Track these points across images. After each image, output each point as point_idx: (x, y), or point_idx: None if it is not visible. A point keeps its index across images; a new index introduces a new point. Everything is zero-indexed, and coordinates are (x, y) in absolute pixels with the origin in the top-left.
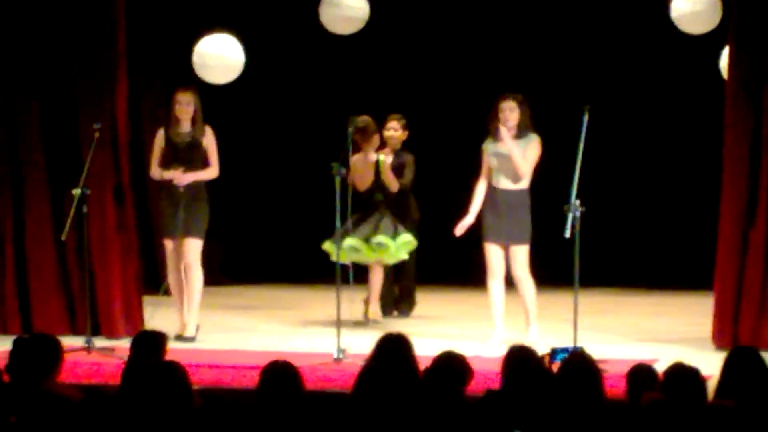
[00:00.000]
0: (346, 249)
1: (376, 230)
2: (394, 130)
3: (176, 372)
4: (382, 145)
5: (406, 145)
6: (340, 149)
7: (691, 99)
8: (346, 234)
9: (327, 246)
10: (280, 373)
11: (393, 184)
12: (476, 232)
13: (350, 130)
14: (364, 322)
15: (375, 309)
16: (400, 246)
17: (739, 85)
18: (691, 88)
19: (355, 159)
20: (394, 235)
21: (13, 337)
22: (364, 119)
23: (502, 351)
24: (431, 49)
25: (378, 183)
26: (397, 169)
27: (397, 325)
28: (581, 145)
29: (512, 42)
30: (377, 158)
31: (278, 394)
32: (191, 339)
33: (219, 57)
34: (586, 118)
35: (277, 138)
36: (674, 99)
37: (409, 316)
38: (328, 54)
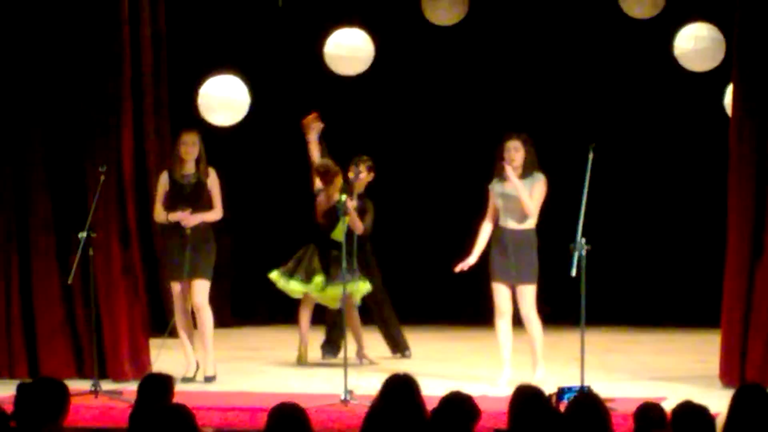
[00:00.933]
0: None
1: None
2: (361, 173)
3: (183, 415)
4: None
5: (369, 189)
6: (346, 188)
7: (696, 136)
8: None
9: (274, 276)
10: (288, 416)
11: (357, 226)
12: (474, 272)
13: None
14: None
15: (365, 351)
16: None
17: (743, 123)
18: (696, 126)
19: (320, 199)
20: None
21: (19, 382)
22: (324, 164)
23: (509, 391)
24: (434, 89)
25: (334, 224)
26: (360, 213)
27: (401, 365)
28: (587, 184)
29: (517, 82)
30: (339, 199)
31: None
32: (212, 378)
33: (225, 99)
34: (591, 156)
35: (283, 178)
36: (679, 137)
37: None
38: (333, 95)
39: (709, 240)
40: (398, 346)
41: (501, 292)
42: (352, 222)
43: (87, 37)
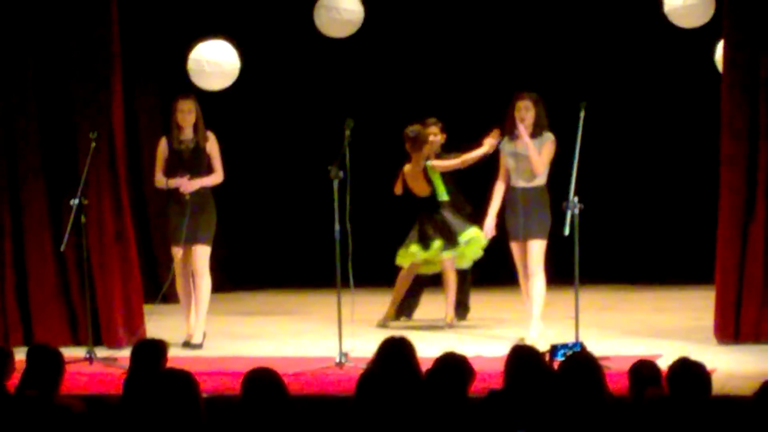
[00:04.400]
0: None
1: (449, 234)
2: (434, 135)
3: (187, 383)
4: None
5: (444, 149)
6: (337, 152)
7: (687, 93)
8: (415, 243)
9: (401, 258)
10: (262, 381)
11: (453, 164)
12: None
13: (347, 132)
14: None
15: (450, 313)
16: (472, 243)
17: (734, 78)
18: (687, 82)
19: (407, 169)
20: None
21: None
22: (414, 128)
23: (506, 350)
24: (424, 50)
25: (434, 188)
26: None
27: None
28: (578, 142)
29: (506, 41)
30: (424, 165)
31: (262, 402)
32: (198, 346)
33: (215, 63)
34: (582, 115)
35: (275, 143)
36: (670, 93)
37: (466, 319)
38: (323, 57)
39: (702, 197)
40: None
41: (517, 252)
42: (449, 167)
43: (77, 2)
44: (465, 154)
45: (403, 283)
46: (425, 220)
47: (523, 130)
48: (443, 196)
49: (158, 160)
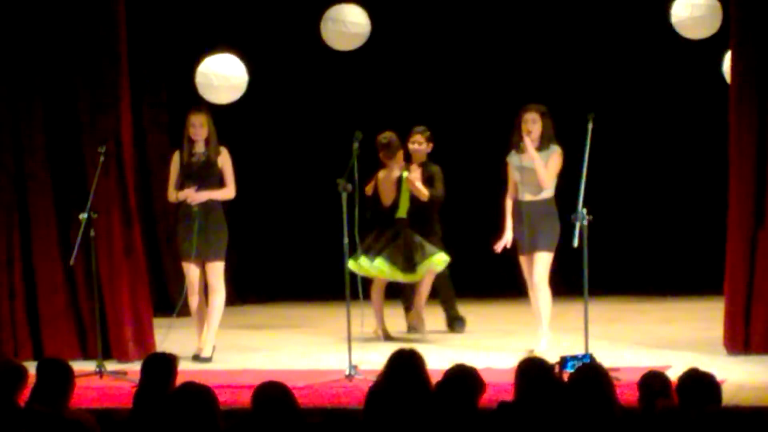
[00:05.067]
0: (368, 267)
1: (404, 256)
2: (419, 144)
3: (206, 397)
4: (408, 159)
5: (431, 158)
6: (346, 165)
7: (695, 104)
8: (367, 253)
9: (352, 265)
10: (272, 395)
11: (422, 193)
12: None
13: (355, 145)
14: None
15: (417, 316)
16: (435, 263)
17: (742, 89)
18: (695, 93)
19: (381, 175)
20: (423, 258)
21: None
22: (387, 135)
23: (515, 362)
24: (431, 63)
25: (397, 201)
26: (426, 182)
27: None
28: (587, 154)
29: (513, 52)
30: (400, 175)
31: (272, 416)
32: (208, 360)
33: (223, 77)
34: (590, 126)
35: (283, 156)
36: (678, 104)
37: (464, 331)
38: (330, 70)
39: (711, 207)
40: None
41: (526, 265)
42: (416, 191)
43: (84, 15)
44: (436, 191)
45: (375, 298)
46: (390, 235)
47: (529, 143)
48: (402, 212)
49: (171, 174)
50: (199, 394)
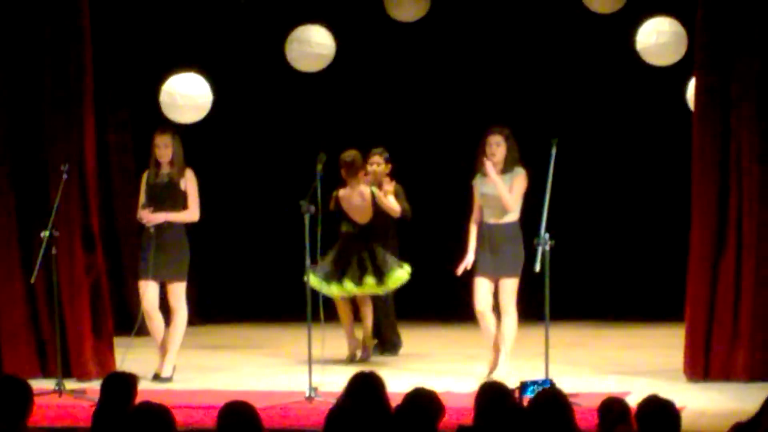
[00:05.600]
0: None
1: (366, 270)
2: (377, 165)
3: (163, 417)
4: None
5: (392, 178)
6: (309, 186)
7: (659, 130)
8: (333, 273)
9: (313, 281)
10: (238, 414)
11: (393, 210)
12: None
13: (318, 167)
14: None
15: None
16: (395, 280)
17: (705, 115)
18: (659, 119)
19: (341, 193)
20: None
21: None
22: (351, 154)
23: (474, 386)
24: (396, 85)
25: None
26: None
27: (379, 362)
28: (550, 179)
29: (478, 76)
30: (371, 191)
31: None
32: (168, 379)
33: (187, 96)
34: (554, 151)
35: (246, 176)
36: (642, 130)
37: (397, 354)
38: (295, 91)
39: (672, 234)
40: (386, 345)
41: (481, 287)
42: (388, 207)
43: (50, 32)
44: (401, 206)
45: (344, 316)
46: (359, 250)
47: (490, 167)
48: (346, 227)
49: (140, 195)
50: (157, 413)
